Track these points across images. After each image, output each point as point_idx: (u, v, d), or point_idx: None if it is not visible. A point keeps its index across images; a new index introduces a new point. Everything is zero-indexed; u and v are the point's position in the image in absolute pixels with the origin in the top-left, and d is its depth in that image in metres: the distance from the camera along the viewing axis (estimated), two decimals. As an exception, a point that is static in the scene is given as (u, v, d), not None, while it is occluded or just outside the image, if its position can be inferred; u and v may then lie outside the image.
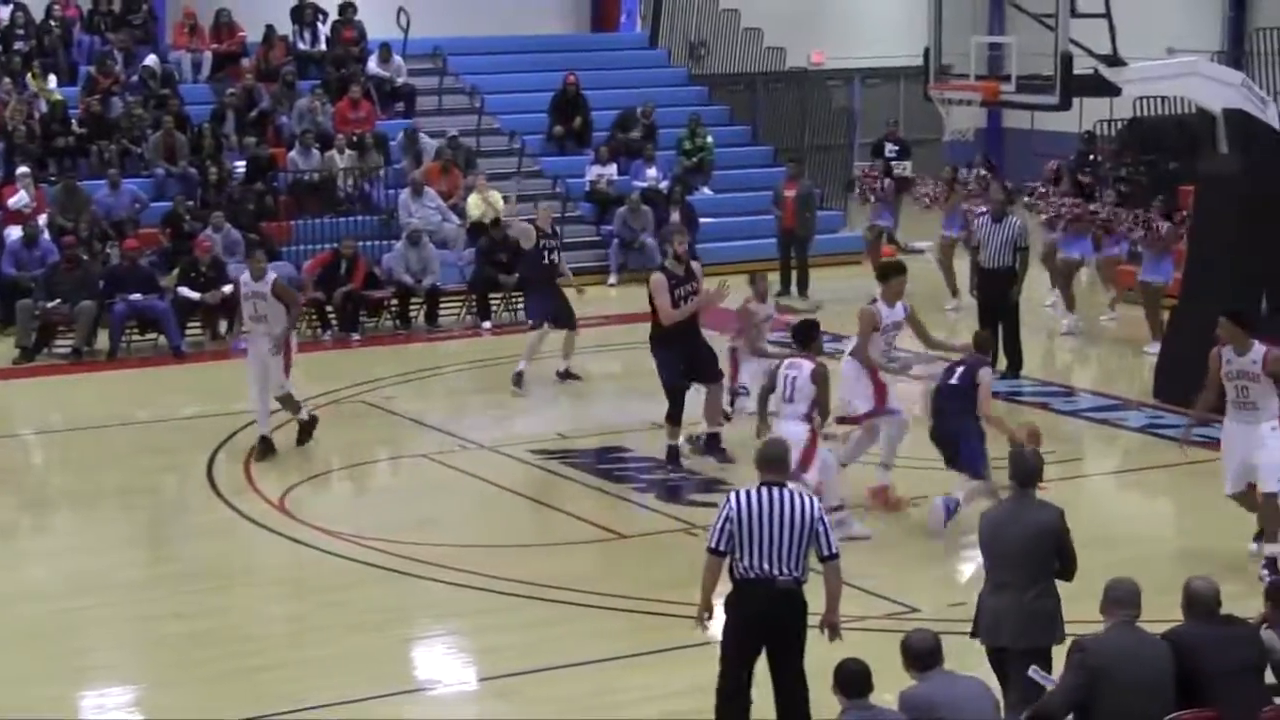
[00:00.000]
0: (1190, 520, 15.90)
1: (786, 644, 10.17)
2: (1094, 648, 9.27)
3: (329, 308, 23.97)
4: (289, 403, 17.92)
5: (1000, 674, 10.24)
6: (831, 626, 10.33)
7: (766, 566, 9.99)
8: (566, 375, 21.30)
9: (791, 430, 14.37)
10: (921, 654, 9.17)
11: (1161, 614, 9.80)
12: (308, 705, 11.74)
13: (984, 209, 22.50)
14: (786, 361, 15.11)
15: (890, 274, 16.60)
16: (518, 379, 20.71)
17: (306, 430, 18.04)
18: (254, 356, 17.82)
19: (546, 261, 21.10)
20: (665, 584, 13.82)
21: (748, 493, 10.10)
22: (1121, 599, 9.42)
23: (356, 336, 23.80)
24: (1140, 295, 22.74)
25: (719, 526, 10.09)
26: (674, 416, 17.38)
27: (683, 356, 17.40)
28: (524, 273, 22.51)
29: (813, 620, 10.35)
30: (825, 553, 10.09)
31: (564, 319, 21.03)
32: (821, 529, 10.04)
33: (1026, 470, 10.58)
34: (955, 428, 15.18)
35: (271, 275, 17.95)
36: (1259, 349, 14.16)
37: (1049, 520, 10.37)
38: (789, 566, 9.99)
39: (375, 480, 18.11)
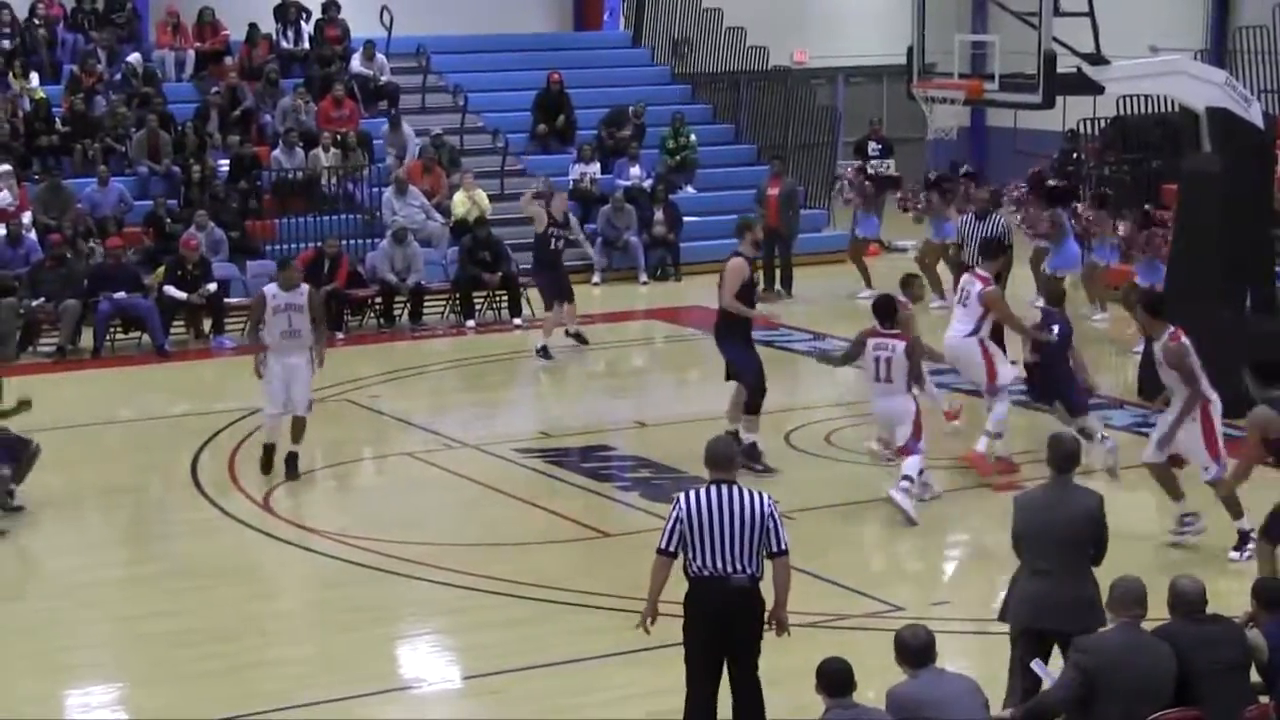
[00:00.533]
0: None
1: (743, 643, 10.14)
2: (1093, 648, 9.26)
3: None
4: (303, 428, 17.05)
5: (1025, 655, 10.16)
6: (779, 622, 10.31)
7: (720, 565, 9.98)
8: (577, 337, 22.87)
9: (898, 406, 15.57)
10: (915, 650, 9.12)
11: (1149, 611, 9.80)
12: (292, 704, 11.74)
13: (969, 209, 22.54)
14: (873, 343, 15.64)
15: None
16: (544, 351, 22.19)
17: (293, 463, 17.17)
18: (280, 371, 16.74)
19: (553, 247, 22.69)
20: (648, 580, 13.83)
21: (697, 492, 10.08)
22: (1125, 598, 9.39)
23: (340, 335, 23.76)
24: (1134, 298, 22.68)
25: (669, 527, 10.08)
26: (757, 406, 17.09)
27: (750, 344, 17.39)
28: (534, 255, 23.24)
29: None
30: (775, 548, 10.04)
31: (569, 296, 22.65)
32: (772, 524, 10.00)
33: (1066, 454, 10.51)
34: (1059, 374, 16.48)
35: (305, 287, 17.00)
36: (1165, 337, 14.54)
37: (1092, 505, 10.41)
38: (743, 564, 9.97)
39: (359, 479, 18.10)
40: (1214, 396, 14.56)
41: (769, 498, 10.11)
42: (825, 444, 18.01)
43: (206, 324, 23.44)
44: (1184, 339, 14.53)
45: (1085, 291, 24.71)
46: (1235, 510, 14.41)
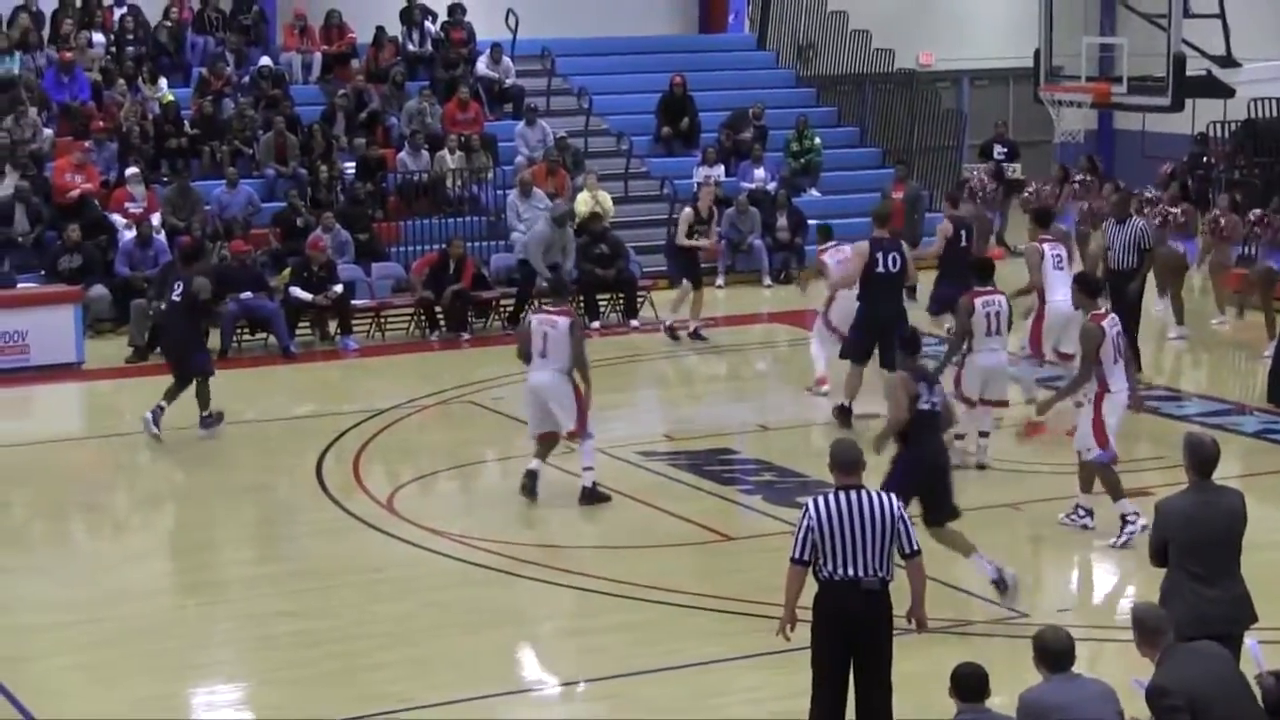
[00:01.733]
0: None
1: (873, 646, 10.09)
2: (1173, 687, 8.97)
3: (438, 308, 23.99)
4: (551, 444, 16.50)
5: None
6: (919, 620, 10.36)
7: (851, 570, 9.95)
8: (695, 335, 23.47)
9: (1006, 359, 16.79)
10: (1056, 653, 8.94)
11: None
12: (414, 704, 11.75)
13: (1106, 212, 22.40)
14: (981, 301, 16.71)
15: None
16: (670, 331, 23.38)
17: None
18: (536, 391, 16.25)
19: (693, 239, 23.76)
20: (771, 587, 13.64)
21: (826, 499, 10.06)
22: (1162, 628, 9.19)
23: (466, 336, 23.83)
24: (1258, 286, 22.31)
25: (800, 537, 10.06)
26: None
27: None
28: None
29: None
30: (908, 550, 10.09)
31: (697, 281, 23.67)
32: (903, 527, 10.03)
33: (1207, 457, 10.31)
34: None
35: (571, 314, 16.36)
36: (1088, 316, 15.26)
37: (1241, 505, 10.27)
38: (874, 568, 9.96)
39: (482, 481, 18.12)
40: (1116, 388, 14.96)
41: (898, 500, 10.15)
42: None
43: (332, 326, 23.57)
44: (1105, 324, 14.93)
45: (1213, 295, 24.38)
46: (1115, 492, 15.00)
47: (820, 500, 10.06)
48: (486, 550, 14.86)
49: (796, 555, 10.07)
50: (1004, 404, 17.61)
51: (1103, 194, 23.34)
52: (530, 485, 16.17)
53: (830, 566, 9.97)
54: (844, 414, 18.51)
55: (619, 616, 13.48)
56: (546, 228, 24.63)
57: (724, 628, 13.13)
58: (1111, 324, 15.08)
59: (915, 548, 10.14)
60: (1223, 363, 22.68)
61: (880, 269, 18.33)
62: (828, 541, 9.94)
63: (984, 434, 17.33)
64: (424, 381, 21.02)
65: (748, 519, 15.98)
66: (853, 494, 10.04)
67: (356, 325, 23.64)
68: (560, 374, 15.88)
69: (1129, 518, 14.79)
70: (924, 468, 13.34)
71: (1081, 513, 15.35)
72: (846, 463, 10.20)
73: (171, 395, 18.66)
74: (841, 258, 19.46)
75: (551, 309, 16.33)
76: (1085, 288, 15.62)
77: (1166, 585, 10.18)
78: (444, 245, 24.64)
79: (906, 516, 10.12)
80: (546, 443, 16.27)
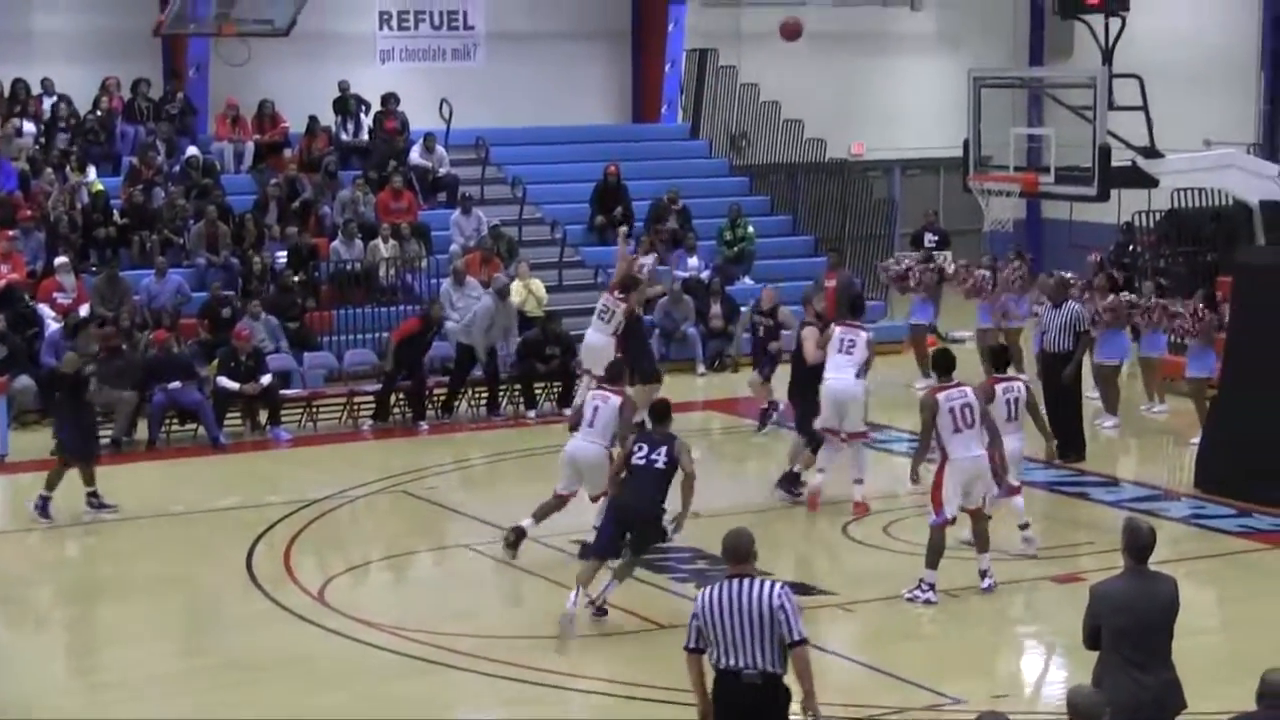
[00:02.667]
0: (1235, 611, 15.71)
1: None
2: None
3: (398, 395, 23.94)
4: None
5: None
6: (812, 713, 10.15)
7: (734, 660, 9.88)
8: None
9: (1014, 447, 16.54)
10: (1139, 545, 9.66)
11: (1221, 705, 9.63)
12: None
13: (1041, 299, 22.57)
14: (1001, 388, 16.70)
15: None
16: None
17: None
18: (574, 456, 16.86)
19: (761, 334, 23.40)
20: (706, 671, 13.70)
21: (713, 588, 10.00)
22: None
23: (425, 426, 23.69)
24: (1188, 389, 22.51)
25: (690, 624, 10.05)
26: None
27: None
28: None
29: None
30: (790, 638, 9.86)
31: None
32: (783, 615, 9.82)
33: (1144, 543, 10.32)
34: None
35: (624, 395, 16.92)
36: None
37: (1174, 591, 10.27)
38: (754, 659, 9.84)
39: (416, 571, 17.99)
40: (955, 456, 15.42)
41: (782, 588, 9.94)
42: (884, 535, 17.85)
43: (263, 416, 23.43)
44: (941, 396, 15.49)
45: (1143, 384, 24.47)
46: (931, 557, 15.57)
47: (708, 590, 10.03)
48: (420, 642, 14.73)
49: (687, 644, 10.06)
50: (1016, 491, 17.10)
51: (1038, 283, 23.44)
52: (515, 541, 16.76)
53: (716, 656, 9.93)
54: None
55: (553, 708, 13.39)
56: (490, 302, 24.65)
57: (662, 716, 13.04)
58: (950, 397, 15.52)
59: (797, 637, 9.87)
60: (1156, 449, 22.76)
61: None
62: (712, 631, 9.89)
63: (1024, 525, 17.13)
64: (356, 471, 20.90)
65: (680, 607, 15.87)
66: (737, 583, 9.94)
67: (288, 415, 23.49)
68: (601, 448, 16.55)
69: (925, 585, 15.52)
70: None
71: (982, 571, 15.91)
72: (735, 552, 10.12)
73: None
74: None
75: (608, 388, 16.92)
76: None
77: (1099, 669, 10.18)
78: (425, 309, 24.51)
79: (790, 605, 9.87)
80: (560, 502, 16.99)
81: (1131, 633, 10.09)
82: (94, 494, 18.99)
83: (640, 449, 15.28)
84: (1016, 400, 16.77)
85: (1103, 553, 16.40)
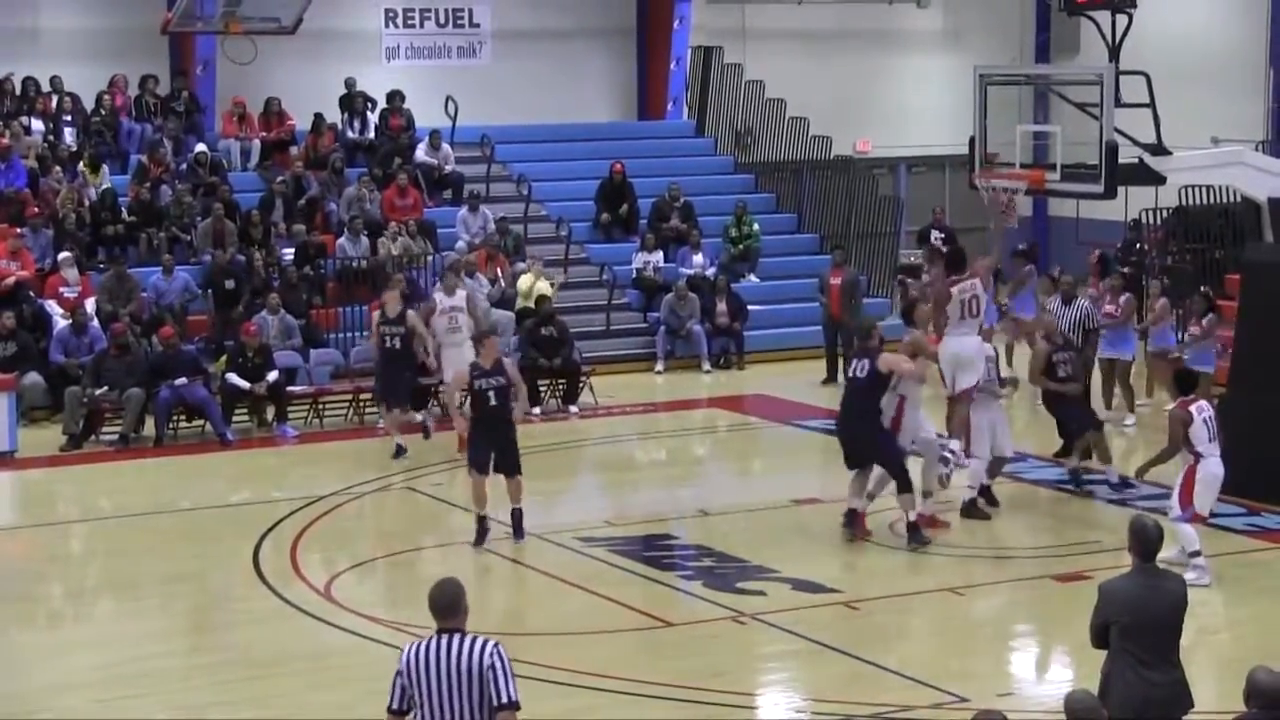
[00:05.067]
0: (1242, 611, 15.70)
1: None
2: None
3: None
4: None
5: None
6: None
7: None
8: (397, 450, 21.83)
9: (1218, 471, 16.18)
10: (1146, 543, 9.59)
11: (1229, 705, 9.63)
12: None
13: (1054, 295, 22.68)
14: (1195, 407, 16.12)
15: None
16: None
17: None
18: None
19: (388, 345, 21.80)
20: (710, 672, 13.74)
21: (419, 645, 9.03)
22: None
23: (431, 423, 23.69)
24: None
25: (393, 683, 9.09)
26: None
27: None
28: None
29: None
30: (498, 700, 8.91)
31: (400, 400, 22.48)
32: (493, 675, 8.89)
33: (1151, 541, 10.35)
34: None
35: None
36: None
37: (1184, 590, 10.28)
38: None
39: (421, 568, 17.93)
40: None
41: (494, 645, 8.97)
42: (889, 532, 17.85)
43: (269, 412, 23.46)
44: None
45: (1157, 380, 24.38)
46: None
47: (414, 646, 9.07)
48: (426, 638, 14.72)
49: (391, 704, 9.06)
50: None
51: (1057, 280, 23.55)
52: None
53: (422, 718, 8.98)
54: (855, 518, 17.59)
55: (558, 703, 13.39)
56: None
57: (665, 714, 13.05)
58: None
59: (507, 699, 8.93)
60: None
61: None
62: (418, 690, 8.94)
63: (1196, 553, 16.01)
64: (362, 468, 20.92)
65: (687, 604, 15.93)
66: (445, 639, 9.00)
67: (294, 412, 23.53)
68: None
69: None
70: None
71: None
72: (442, 606, 9.18)
73: None
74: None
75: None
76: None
77: (1108, 668, 10.16)
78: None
79: (502, 664, 8.95)
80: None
81: (1140, 632, 10.07)
82: None
83: None
84: (1210, 419, 16.17)
85: (1107, 551, 16.42)
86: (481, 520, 17.55)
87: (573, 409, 24.67)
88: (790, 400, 25.03)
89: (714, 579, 16.45)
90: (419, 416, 22.29)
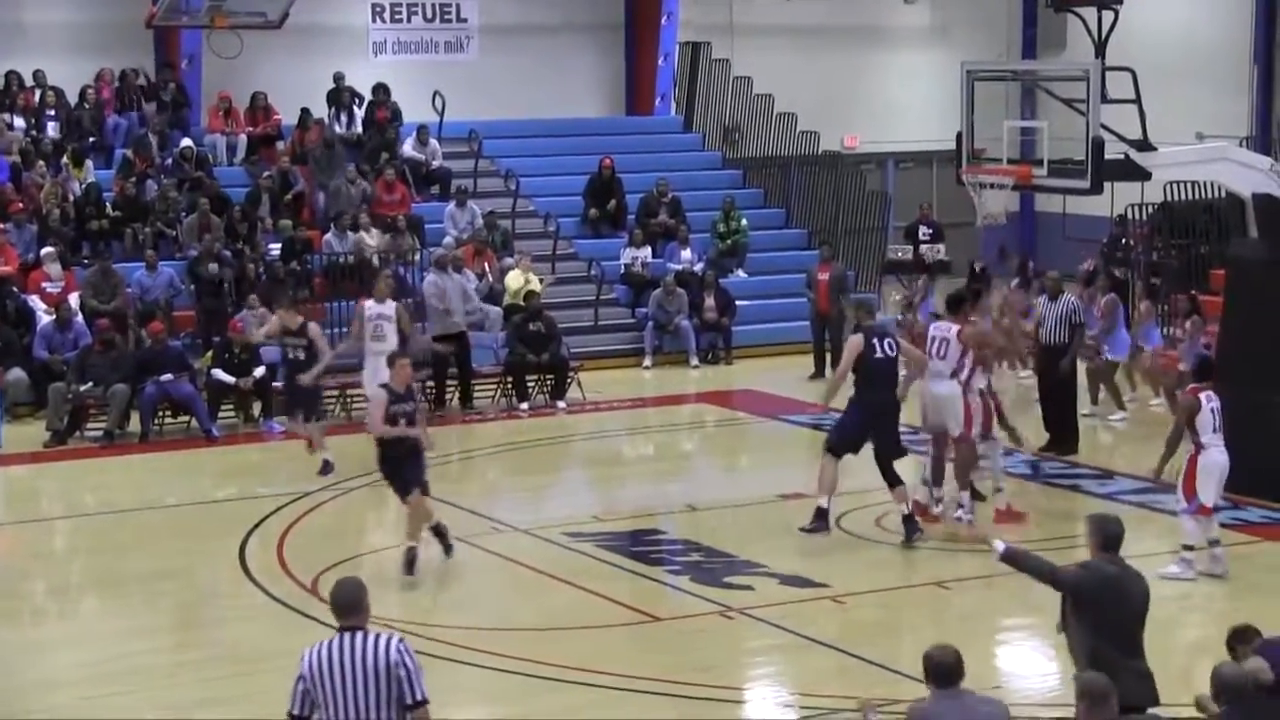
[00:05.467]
0: (1223, 605, 15.70)
1: None
2: None
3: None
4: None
5: None
6: None
7: None
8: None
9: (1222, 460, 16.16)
10: (941, 669, 9.06)
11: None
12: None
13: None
14: (1205, 394, 16.20)
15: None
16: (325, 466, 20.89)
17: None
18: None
19: (290, 357, 21.10)
20: (699, 666, 13.74)
21: (319, 647, 8.82)
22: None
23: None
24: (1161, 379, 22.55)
25: (295, 688, 8.84)
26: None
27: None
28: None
29: None
30: (410, 698, 8.72)
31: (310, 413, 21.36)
32: (403, 673, 8.70)
33: (1115, 534, 10.35)
34: None
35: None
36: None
37: (1147, 583, 10.31)
38: None
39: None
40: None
41: (400, 642, 8.78)
42: (876, 528, 17.86)
43: (256, 408, 23.43)
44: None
45: (1145, 379, 24.40)
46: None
47: (314, 648, 8.84)
48: (412, 634, 14.67)
49: (292, 709, 8.83)
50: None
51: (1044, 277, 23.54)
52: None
53: None
54: (823, 516, 17.25)
55: (547, 700, 13.39)
56: (433, 277, 24.67)
57: (654, 708, 13.05)
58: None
59: (419, 697, 8.75)
60: (1148, 441, 22.72)
61: (878, 354, 17.32)
62: (321, 693, 8.73)
63: (1215, 542, 16.22)
64: (349, 463, 20.87)
65: (675, 599, 15.93)
66: (349, 638, 8.81)
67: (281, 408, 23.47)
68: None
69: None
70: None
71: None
72: (343, 604, 8.99)
73: None
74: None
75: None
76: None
77: (1093, 656, 10.15)
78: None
79: (411, 661, 8.77)
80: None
81: (1118, 622, 10.09)
82: None
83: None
84: (1217, 410, 16.08)
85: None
86: (412, 550, 16.57)
87: (561, 404, 24.67)
88: (778, 395, 25.04)
89: (702, 574, 16.44)
90: (310, 429, 21.05)
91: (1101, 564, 10.25)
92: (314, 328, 21.29)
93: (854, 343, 17.24)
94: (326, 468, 20.50)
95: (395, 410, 16.27)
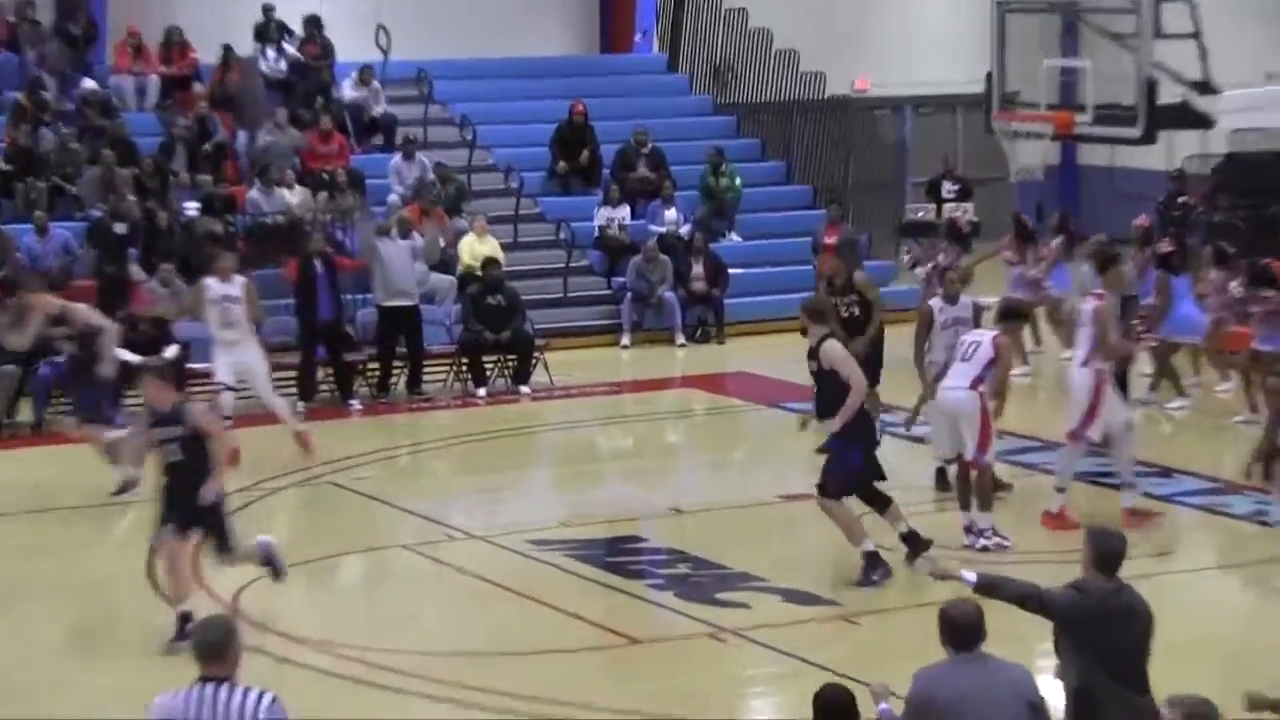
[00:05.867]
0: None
1: None
2: None
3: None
4: None
5: None
6: None
7: None
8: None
9: None
10: (958, 629, 9.15)
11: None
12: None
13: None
14: None
15: None
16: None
17: None
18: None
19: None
20: (685, 695, 13.65)
21: (176, 696, 8.79)
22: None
23: (356, 406, 23.61)
24: (1252, 367, 22.48)
25: None
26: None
27: None
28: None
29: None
30: None
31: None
32: None
33: (1114, 551, 10.24)
34: None
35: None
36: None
37: (1149, 609, 10.18)
38: None
39: (344, 576, 17.88)
40: None
41: (273, 702, 8.78)
42: (897, 540, 17.71)
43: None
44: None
45: (1211, 360, 24.24)
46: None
47: (163, 699, 8.85)
48: (350, 658, 14.61)
49: None
50: None
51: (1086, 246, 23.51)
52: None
53: None
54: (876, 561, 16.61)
55: (505, 736, 13.33)
56: (371, 242, 24.72)
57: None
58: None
59: None
60: (1215, 433, 22.64)
61: None
62: None
63: None
64: (275, 458, 20.75)
65: (657, 618, 15.83)
66: (211, 689, 8.76)
67: (196, 391, 23.30)
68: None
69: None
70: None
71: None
72: (206, 649, 8.95)
73: None
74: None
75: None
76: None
77: (1081, 690, 10.02)
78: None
79: (280, 714, 8.78)
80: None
81: (1119, 649, 10.01)
82: None
83: None
84: None
85: (1154, 556, 16.34)
86: (185, 616, 14.85)
87: (524, 390, 24.60)
88: (777, 379, 24.91)
89: (688, 588, 16.37)
90: (109, 434, 20.04)
91: (1095, 584, 10.16)
92: (83, 309, 20.43)
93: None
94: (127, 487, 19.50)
95: (156, 434, 15.03)
